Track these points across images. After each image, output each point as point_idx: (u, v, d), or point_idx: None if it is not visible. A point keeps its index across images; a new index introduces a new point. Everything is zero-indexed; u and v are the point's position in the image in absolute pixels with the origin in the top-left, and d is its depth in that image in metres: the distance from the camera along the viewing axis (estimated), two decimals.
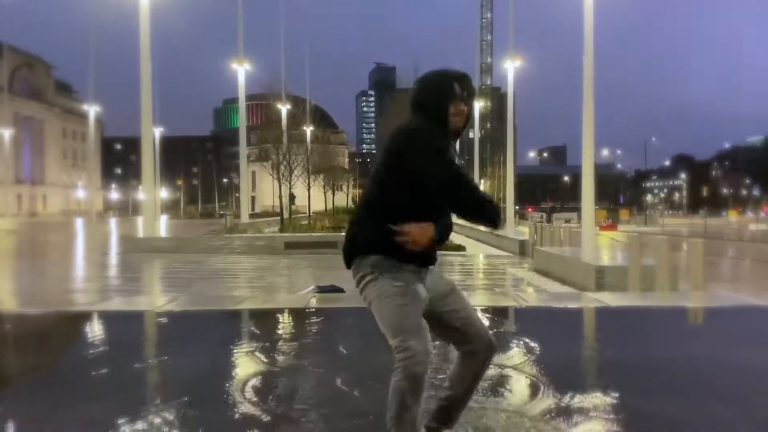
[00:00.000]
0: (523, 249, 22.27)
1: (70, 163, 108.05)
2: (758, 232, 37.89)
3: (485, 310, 6.54)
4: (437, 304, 2.55)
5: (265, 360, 4.48)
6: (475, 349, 2.54)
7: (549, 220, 51.79)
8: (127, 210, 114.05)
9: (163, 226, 34.55)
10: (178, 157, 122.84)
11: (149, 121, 24.18)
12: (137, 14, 23.91)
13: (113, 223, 62.77)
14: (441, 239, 2.56)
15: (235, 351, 4.79)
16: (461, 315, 2.57)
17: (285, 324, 6.17)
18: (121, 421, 3.12)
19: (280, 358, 4.62)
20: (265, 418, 3.20)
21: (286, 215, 36.06)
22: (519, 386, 3.81)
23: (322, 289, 7.82)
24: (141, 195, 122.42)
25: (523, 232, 28.02)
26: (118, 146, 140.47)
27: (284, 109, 51.58)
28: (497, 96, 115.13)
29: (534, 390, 3.69)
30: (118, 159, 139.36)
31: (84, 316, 6.50)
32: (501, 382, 3.82)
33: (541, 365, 4.23)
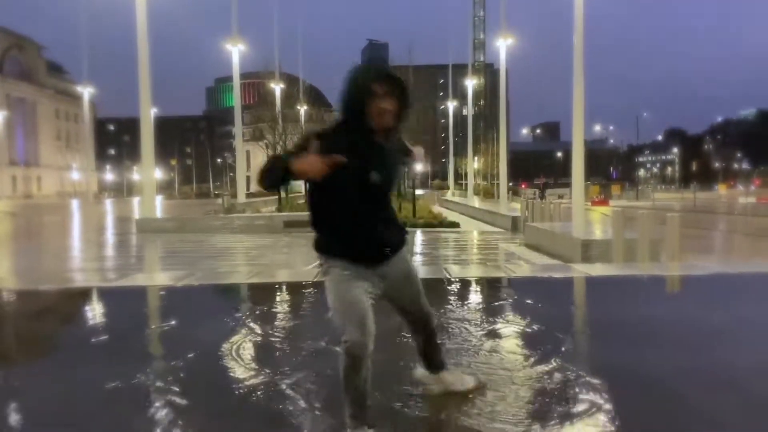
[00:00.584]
0: (515, 225, 22.92)
1: (64, 145, 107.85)
2: (746, 206, 38.66)
3: (478, 281, 7.28)
4: (390, 292, 2.94)
5: (285, 320, 5.16)
6: (416, 321, 3.11)
7: (542, 196, 52.27)
8: (122, 191, 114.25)
9: (160, 206, 34.99)
10: (172, 137, 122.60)
11: (147, 102, 24.33)
12: None
13: (109, 204, 62.98)
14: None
15: (255, 317, 5.45)
16: (406, 300, 3.03)
17: (293, 295, 6.82)
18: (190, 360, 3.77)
19: (297, 320, 5.31)
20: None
21: (282, 194, 36.51)
22: (509, 343, 4.46)
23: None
24: (136, 176, 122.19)
25: (516, 208, 28.63)
26: (111, 127, 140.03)
27: (278, 89, 51.79)
28: (490, 72, 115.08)
29: (522, 344, 4.36)
30: (112, 139, 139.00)
31: (117, 292, 7.15)
32: (494, 341, 4.47)
33: (528, 324, 4.90)
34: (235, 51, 38.43)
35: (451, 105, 74.86)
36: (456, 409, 3.12)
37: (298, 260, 12.77)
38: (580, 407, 3.16)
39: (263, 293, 6.96)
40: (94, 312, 6.33)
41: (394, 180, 2.86)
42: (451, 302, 5.97)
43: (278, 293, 7.02)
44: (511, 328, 4.82)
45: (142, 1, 23.43)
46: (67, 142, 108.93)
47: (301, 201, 40.56)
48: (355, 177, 2.68)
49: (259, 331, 4.88)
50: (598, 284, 7.00)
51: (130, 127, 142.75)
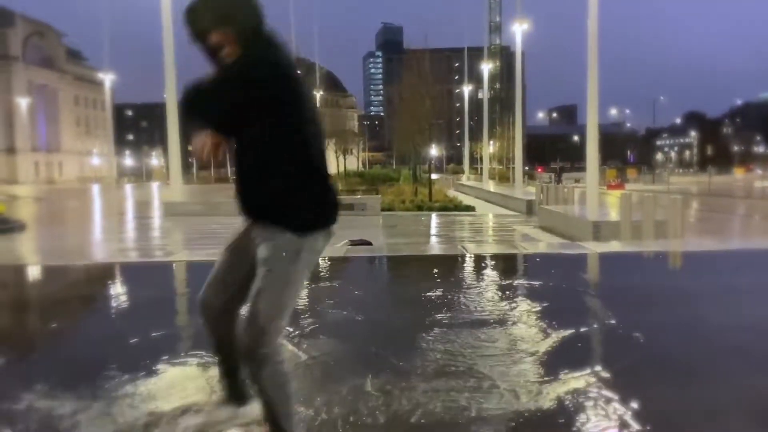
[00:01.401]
0: (530, 208, 23.55)
1: (84, 131, 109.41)
2: (760, 189, 38.88)
3: (493, 257, 8.07)
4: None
5: (331, 284, 5.95)
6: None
7: (559, 180, 52.53)
8: (141, 176, 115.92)
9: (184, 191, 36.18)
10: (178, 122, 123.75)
11: (173, 90, 24.97)
12: None
13: (130, 189, 64.20)
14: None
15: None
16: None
17: (332, 266, 7.61)
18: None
19: (336, 284, 6.10)
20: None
21: None
22: (525, 304, 5.21)
23: (353, 242, 9.34)
24: (154, 161, 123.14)
25: (531, 192, 29.24)
26: (129, 112, 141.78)
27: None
28: (506, 55, 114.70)
29: (535, 306, 5.12)
30: (130, 125, 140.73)
31: (179, 264, 8.02)
32: (514, 302, 5.22)
33: (539, 288, 5.66)
34: None
35: (467, 89, 74.73)
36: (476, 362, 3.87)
37: None
38: (574, 343, 3.92)
39: None
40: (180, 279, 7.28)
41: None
42: (471, 275, 6.75)
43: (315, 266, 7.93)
44: (524, 291, 5.58)
45: None
46: (87, 128, 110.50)
47: None
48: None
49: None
50: (602, 258, 7.77)
51: (147, 112, 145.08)
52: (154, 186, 70.72)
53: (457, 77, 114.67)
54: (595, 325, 4.51)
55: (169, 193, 25.11)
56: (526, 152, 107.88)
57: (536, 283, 5.97)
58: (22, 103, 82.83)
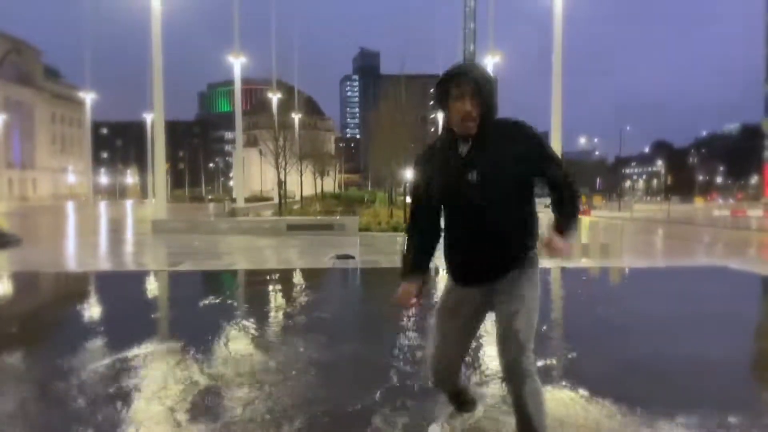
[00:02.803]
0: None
1: (59, 148, 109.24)
2: (715, 217, 41.17)
3: None
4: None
5: (320, 281, 7.39)
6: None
7: None
8: (114, 194, 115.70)
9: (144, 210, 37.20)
10: (165, 141, 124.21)
11: (161, 110, 25.76)
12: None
13: (105, 206, 64.62)
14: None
15: (307, 288, 7.66)
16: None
17: (324, 276, 9.09)
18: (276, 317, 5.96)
19: (327, 281, 7.54)
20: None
21: (281, 200, 38.53)
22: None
23: (339, 257, 10.81)
24: (129, 179, 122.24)
25: None
26: (104, 130, 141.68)
27: (275, 98, 53.77)
28: None
29: None
30: (104, 143, 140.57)
31: (182, 274, 9.45)
32: None
33: None
34: (237, 63, 40.42)
35: (441, 115, 76.58)
36: None
37: (307, 254, 14.75)
38: None
39: (299, 274, 9.27)
40: (195, 287, 8.71)
41: (502, 179, 2.54)
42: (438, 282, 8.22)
43: (310, 275, 9.50)
44: None
45: (157, 14, 25.19)
46: (62, 146, 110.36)
47: (296, 207, 42.86)
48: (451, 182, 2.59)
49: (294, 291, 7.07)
50: (546, 271, 9.34)
51: (122, 131, 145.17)
52: (128, 204, 71.41)
53: (432, 103, 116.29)
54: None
55: (154, 211, 26.09)
56: None
57: None
58: None
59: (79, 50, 65.33)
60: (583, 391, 3.71)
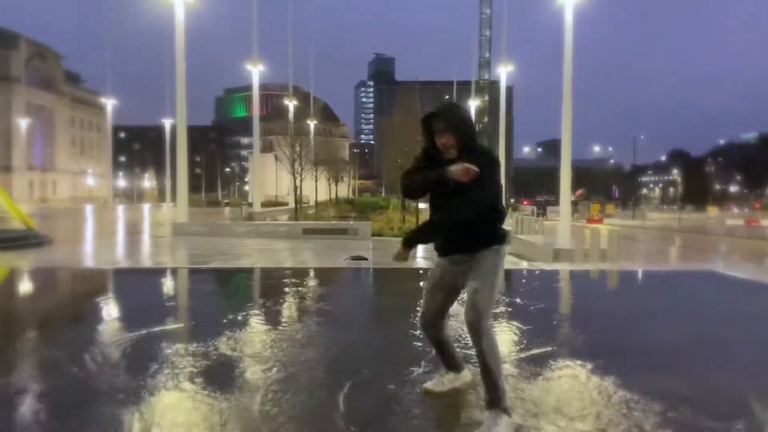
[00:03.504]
0: (508, 239, 25.84)
1: (78, 151, 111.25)
2: (725, 227, 41.48)
3: None
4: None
5: (336, 278, 8.19)
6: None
7: (544, 213, 54.49)
8: (132, 197, 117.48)
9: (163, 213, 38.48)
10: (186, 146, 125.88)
11: (183, 117, 26.72)
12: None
13: (123, 210, 65.99)
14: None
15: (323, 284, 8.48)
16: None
17: (340, 275, 9.87)
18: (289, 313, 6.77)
19: (342, 280, 8.33)
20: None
21: (297, 205, 39.44)
22: None
23: (353, 258, 11.65)
24: (147, 183, 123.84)
25: (510, 223, 31.60)
26: (122, 134, 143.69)
27: (291, 105, 54.77)
28: (495, 90, 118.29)
29: None
30: (122, 147, 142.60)
31: (215, 270, 10.31)
32: None
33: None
34: (255, 71, 41.40)
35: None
36: None
37: (323, 255, 15.55)
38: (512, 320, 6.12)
39: (314, 273, 10.12)
40: (230, 281, 9.76)
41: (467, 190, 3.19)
42: None
43: (328, 273, 10.43)
44: None
45: (180, 25, 26.07)
46: (82, 149, 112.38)
47: (311, 212, 43.79)
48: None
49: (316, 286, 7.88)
50: (546, 272, 10.07)
51: (139, 135, 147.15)
52: (146, 207, 72.93)
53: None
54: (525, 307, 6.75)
55: (173, 215, 27.05)
56: (513, 185, 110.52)
57: None
58: (22, 123, 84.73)
59: (98, 55, 66.87)
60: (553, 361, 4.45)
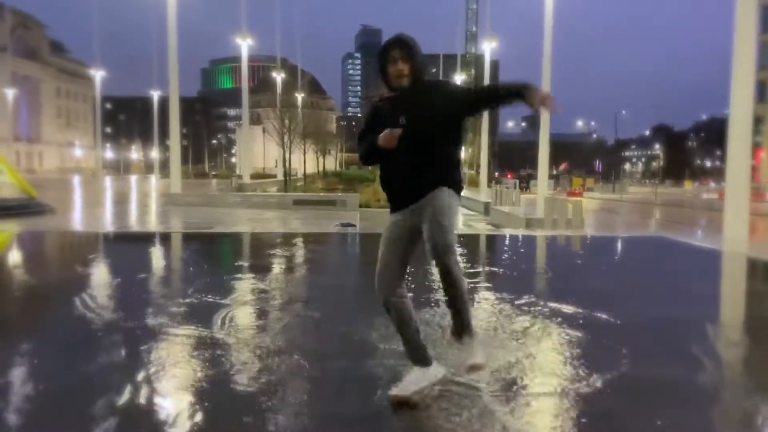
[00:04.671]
0: (486, 209, 27.15)
1: (64, 122, 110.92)
2: (697, 200, 43.18)
3: None
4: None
5: (328, 241, 9.46)
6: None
7: (527, 186, 55.80)
8: (119, 169, 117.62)
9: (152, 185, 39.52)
10: (166, 117, 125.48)
11: (176, 90, 27.19)
12: None
13: (111, 181, 66.61)
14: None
15: (317, 244, 9.75)
16: None
17: (331, 238, 11.13)
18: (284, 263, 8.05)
19: (333, 242, 9.61)
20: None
21: (286, 177, 40.47)
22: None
23: (343, 224, 12.99)
24: (134, 154, 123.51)
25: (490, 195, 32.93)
26: (108, 105, 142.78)
27: (279, 78, 55.40)
28: (482, 64, 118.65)
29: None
30: (109, 119, 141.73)
31: (218, 234, 11.59)
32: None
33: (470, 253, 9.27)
34: (244, 45, 42.03)
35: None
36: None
37: (314, 224, 16.76)
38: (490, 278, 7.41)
39: (308, 238, 11.46)
40: (235, 244, 11.20)
41: (427, 119, 3.20)
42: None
43: (320, 237, 11.77)
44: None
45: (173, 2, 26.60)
46: (68, 120, 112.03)
47: (299, 184, 44.89)
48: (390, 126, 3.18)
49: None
50: (513, 236, 11.41)
51: (126, 106, 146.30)
52: (133, 179, 73.68)
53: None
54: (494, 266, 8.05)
55: (164, 185, 28.11)
56: (498, 159, 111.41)
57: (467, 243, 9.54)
58: (8, 94, 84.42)
59: (84, 26, 66.77)
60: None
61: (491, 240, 11.54)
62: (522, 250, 10.23)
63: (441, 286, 3.16)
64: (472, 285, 6.46)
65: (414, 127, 3.19)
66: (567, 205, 15.30)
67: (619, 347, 4.18)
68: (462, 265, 4.14)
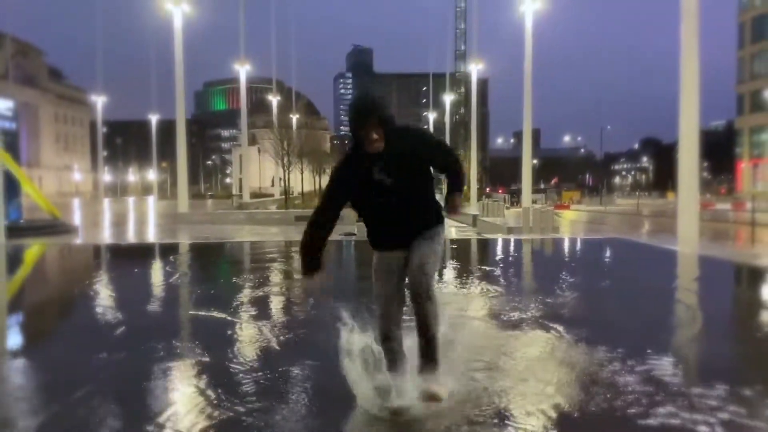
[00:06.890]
0: (474, 221, 29.10)
1: (63, 147, 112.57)
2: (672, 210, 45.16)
3: None
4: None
5: (336, 246, 11.36)
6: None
7: (517, 201, 57.69)
8: (116, 191, 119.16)
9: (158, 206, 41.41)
10: (162, 139, 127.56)
11: (182, 114, 29.11)
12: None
13: (111, 203, 68.16)
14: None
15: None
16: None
17: (337, 244, 13.00)
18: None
19: (341, 246, 11.52)
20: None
21: (283, 195, 42.35)
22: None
23: (345, 234, 14.80)
24: (131, 177, 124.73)
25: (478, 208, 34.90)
26: (104, 129, 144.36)
27: (275, 100, 57.45)
28: (471, 82, 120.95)
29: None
30: (104, 142, 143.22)
31: (244, 243, 13.49)
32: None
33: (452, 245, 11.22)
34: (243, 71, 44.14)
35: (431, 114, 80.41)
36: None
37: None
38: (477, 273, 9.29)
39: None
40: (262, 249, 13.17)
41: (407, 174, 3.27)
42: None
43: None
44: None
45: (178, 23, 28.61)
46: (66, 144, 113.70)
47: (298, 201, 46.80)
48: (368, 184, 3.30)
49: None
50: (493, 241, 13.33)
51: (121, 129, 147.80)
52: (131, 201, 75.35)
53: (424, 101, 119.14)
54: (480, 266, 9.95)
55: (168, 206, 29.88)
56: (489, 174, 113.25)
57: (454, 246, 11.44)
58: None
59: (82, 52, 68.66)
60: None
61: (473, 243, 13.41)
62: (487, 249, 12.02)
63: (414, 319, 3.34)
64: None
65: (400, 186, 3.28)
66: (545, 215, 17.28)
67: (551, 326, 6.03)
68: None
